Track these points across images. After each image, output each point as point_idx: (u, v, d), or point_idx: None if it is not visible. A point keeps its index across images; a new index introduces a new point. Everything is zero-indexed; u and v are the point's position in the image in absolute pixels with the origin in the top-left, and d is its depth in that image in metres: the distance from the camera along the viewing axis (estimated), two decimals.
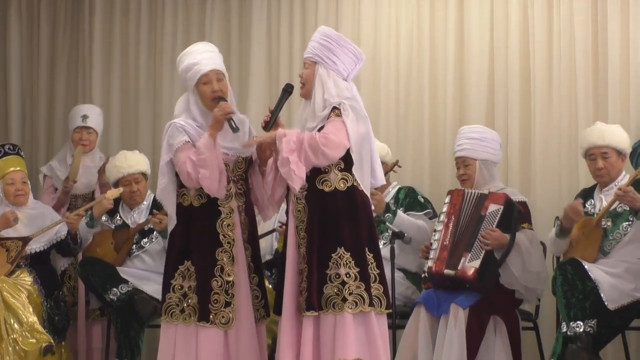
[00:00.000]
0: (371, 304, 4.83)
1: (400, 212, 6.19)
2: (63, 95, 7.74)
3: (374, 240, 4.97)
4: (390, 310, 5.00)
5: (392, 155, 6.51)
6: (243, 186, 5.16)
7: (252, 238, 5.17)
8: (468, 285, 5.58)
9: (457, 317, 5.50)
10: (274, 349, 5.51)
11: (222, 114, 4.99)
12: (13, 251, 6.26)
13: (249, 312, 5.06)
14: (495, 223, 5.62)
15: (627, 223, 5.60)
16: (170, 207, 5.15)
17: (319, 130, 4.88)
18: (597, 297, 5.40)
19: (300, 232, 4.91)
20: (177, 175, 5.09)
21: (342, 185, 4.90)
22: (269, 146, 4.96)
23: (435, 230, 5.83)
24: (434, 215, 6.28)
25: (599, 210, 5.63)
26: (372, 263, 4.91)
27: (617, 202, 5.54)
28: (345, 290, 4.81)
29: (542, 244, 5.89)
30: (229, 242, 5.08)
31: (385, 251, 5.93)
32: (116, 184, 6.53)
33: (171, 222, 5.15)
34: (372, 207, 5.09)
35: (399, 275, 6.10)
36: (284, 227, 6.03)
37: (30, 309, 6.10)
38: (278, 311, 4.99)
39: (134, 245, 6.48)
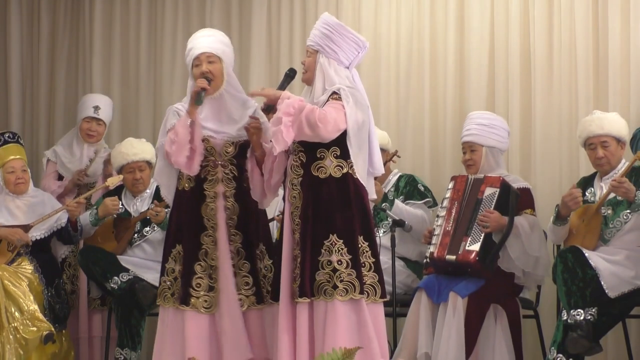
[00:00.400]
0: (362, 292, 4.83)
1: (397, 202, 6.19)
2: (63, 82, 7.74)
3: (369, 228, 4.97)
4: (387, 299, 4.99)
5: (392, 142, 6.51)
6: (233, 171, 5.16)
7: (243, 224, 5.15)
8: (470, 269, 5.58)
9: (455, 306, 5.51)
10: None
11: (194, 89, 5.05)
12: (12, 243, 6.26)
13: (232, 298, 5.06)
14: (492, 206, 5.62)
15: (627, 211, 5.60)
16: (166, 189, 5.27)
17: None
18: (598, 284, 5.40)
19: (295, 219, 4.92)
20: None
21: (337, 172, 4.90)
22: (271, 101, 4.92)
23: (438, 216, 5.84)
24: (433, 204, 6.28)
25: (599, 198, 5.63)
26: (366, 251, 4.91)
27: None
28: (336, 277, 4.81)
29: (543, 232, 5.89)
30: (212, 227, 5.11)
31: (385, 239, 5.96)
32: (120, 170, 6.53)
33: (170, 205, 5.26)
34: (371, 196, 5.08)
35: (399, 263, 6.10)
36: (281, 216, 6.07)
37: (31, 297, 6.10)
38: (275, 298, 5.00)
39: (136, 234, 6.47)
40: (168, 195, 5.28)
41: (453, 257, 5.61)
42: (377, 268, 4.92)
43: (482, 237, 5.59)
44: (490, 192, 5.67)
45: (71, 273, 6.77)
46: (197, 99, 5.05)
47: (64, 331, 6.39)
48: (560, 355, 5.41)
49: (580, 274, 5.41)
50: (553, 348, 5.46)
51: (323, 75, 4.97)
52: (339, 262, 4.83)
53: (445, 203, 5.82)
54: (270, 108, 4.96)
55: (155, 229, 6.44)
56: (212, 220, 5.13)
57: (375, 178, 5.65)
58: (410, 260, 6.26)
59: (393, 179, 6.40)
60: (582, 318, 5.35)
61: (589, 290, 5.39)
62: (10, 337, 5.98)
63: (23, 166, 6.44)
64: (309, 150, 4.91)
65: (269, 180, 5.07)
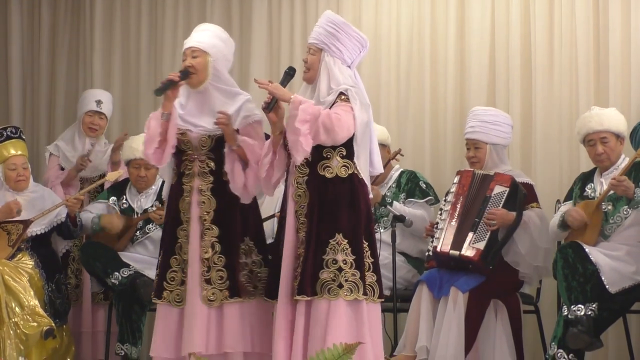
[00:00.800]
0: (365, 293, 4.83)
1: (396, 204, 6.19)
2: (64, 78, 7.75)
3: (370, 229, 4.97)
4: (383, 300, 4.98)
5: (392, 138, 6.51)
6: (210, 165, 5.14)
7: (222, 218, 5.12)
8: (471, 266, 5.58)
9: (456, 301, 5.51)
10: None
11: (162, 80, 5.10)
12: (14, 234, 6.26)
13: (196, 292, 5.04)
14: (501, 205, 5.63)
15: (627, 206, 5.59)
16: (168, 185, 5.31)
17: None
18: (598, 280, 5.40)
19: (299, 217, 4.90)
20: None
21: (343, 172, 4.89)
22: (280, 99, 4.89)
23: (442, 210, 5.84)
24: (435, 202, 6.28)
25: (599, 193, 5.63)
26: (367, 252, 4.90)
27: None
28: (342, 276, 4.81)
29: None
30: (186, 221, 5.12)
31: (386, 235, 5.96)
32: (127, 164, 6.53)
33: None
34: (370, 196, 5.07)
35: (400, 259, 6.11)
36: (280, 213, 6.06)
37: (32, 293, 6.10)
38: (270, 295, 5.00)
39: (138, 232, 6.47)
40: (165, 192, 5.35)
41: (457, 253, 5.61)
42: (375, 268, 4.91)
43: (487, 236, 5.59)
44: (499, 190, 5.67)
45: (75, 267, 6.80)
46: (159, 88, 5.07)
47: (64, 326, 6.39)
48: (561, 350, 5.41)
49: (581, 269, 5.41)
50: (553, 343, 5.46)
51: (328, 74, 4.94)
52: (344, 262, 4.82)
53: (450, 197, 5.82)
54: (271, 107, 4.92)
55: (157, 226, 6.44)
56: (186, 214, 5.14)
57: (377, 176, 5.68)
58: (411, 256, 6.26)
59: (395, 174, 6.39)
60: (582, 313, 5.35)
61: (590, 285, 5.39)
62: (11, 332, 5.98)
63: (24, 163, 6.44)
64: (315, 150, 4.86)
65: (268, 177, 5.02)
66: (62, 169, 7.03)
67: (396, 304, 5.77)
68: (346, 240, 4.84)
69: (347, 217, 4.86)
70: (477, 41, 6.86)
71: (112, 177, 6.49)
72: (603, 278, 5.40)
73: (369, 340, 4.81)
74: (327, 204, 4.87)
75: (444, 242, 5.69)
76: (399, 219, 5.94)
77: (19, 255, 6.26)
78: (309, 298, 4.80)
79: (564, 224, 5.67)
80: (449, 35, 6.92)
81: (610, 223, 5.61)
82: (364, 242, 4.89)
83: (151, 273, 6.17)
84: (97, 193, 6.83)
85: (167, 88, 5.06)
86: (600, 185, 5.67)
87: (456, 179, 5.87)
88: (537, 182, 6.38)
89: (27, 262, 6.26)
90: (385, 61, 7.04)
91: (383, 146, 6.20)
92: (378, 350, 4.90)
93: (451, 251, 5.64)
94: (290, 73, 5.07)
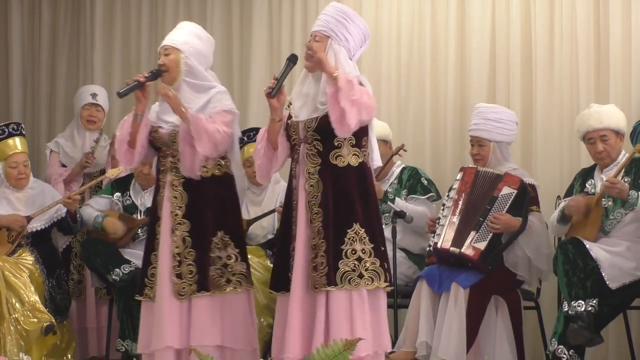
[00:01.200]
0: (386, 280, 4.84)
1: (398, 200, 6.19)
2: (64, 74, 7.77)
3: (379, 216, 5.00)
4: (391, 287, 4.99)
5: (392, 134, 6.50)
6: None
7: (191, 213, 5.13)
8: (470, 264, 5.58)
9: (457, 297, 5.51)
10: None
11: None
12: (14, 230, 6.26)
13: (165, 287, 5.06)
14: (507, 207, 5.63)
15: (622, 208, 5.59)
16: None
17: None
18: (599, 276, 5.40)
19: (313, 207, 4.87)
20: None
21: (354, 160, 4.89)
22: (328, 69, 4.78)
23: (443, 206, 5.84)
24: (437, 198, 6.27)
25: (599, 190, 5.62)
26: (380, 239, 4.91)
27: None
28: (362, 266, 4.80)
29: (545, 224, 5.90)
30: (161, 217, 5.15)
31: (387, 231, 5.94)
32: None
33: None
34: None
35: (400, 255, 6.11)
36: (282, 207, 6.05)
37: (32, 289, 6.10)
38: (275, 288, 4.98)
39: (139, 230, 6.46)
40: None
41: (457, 250, 5.61)
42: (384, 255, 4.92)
43: (489, 237, 5.59)
44: (507, 191, 5.66)
45: (78, 263, 6.81)
46: (122, 89, 5.12)
47: (64, 322, 6.39)
48: (561, 346, 5.41)
49: (581, 265, 5.41)
50: (554, 339, 5.47)
51: (335, 61, 4.90)
52: (363, 251, 4.82)
53: (452, 194, 5.81)
54: (275, 93, 4.88)
55: None
56: (161, 210, 5.17)
57: (379, 173, 5.67)
58: (412, 252, 6.26)
59: (396, 171, 6.38)
60: (582, 309, 5.35)
61: (590, 281, 5.39)
62: (11, 328, 5.98)
63: (25, 161, 6.44)
64: (325, 139, 4.86)
65: (263, 166, 5.02)
66: (63, 165, 7.03)
67: (396, 300, 5.76)
68: (363, 229, 4.83)
69: (362, 206, 4.86)
70: (477, 38, 6.86)
71: (112, 173, 6.49)
72: (603, 274, 5.40)
73: (385, 329, 4.86)
74: (341, 193, 4.86)
75: (444, 239, 5.68)
76: (400, 215, 5.93)
77: (19, 251, 6.27)
78: (329, 289, 4.77)
79: (563, 217, 5.66)
80: (450, 31, 6.92)
81: (610, 219, 5.61)
82: (378, 229, 4.90)
83: None
84: (98, 188, 6.82)
85: (133, 89, 5.10)
86: (601, 181, 5.66)
87: (459, 176, 5.86)
88: (538, 179, 6.38)
89: (28, 258, 6.26)
90: (386, 57, 7.04)
91: (384, 142, 6.21)
92: (388, 338, 4.95)
93: (451, 248, 5.64)
94: (292, 60, 5.01)
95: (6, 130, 6.42)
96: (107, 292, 6.67)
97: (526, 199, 5.66)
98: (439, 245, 5.69)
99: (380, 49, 7.01)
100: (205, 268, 5.10)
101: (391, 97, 7.03)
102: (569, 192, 5.85)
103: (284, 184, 5.97)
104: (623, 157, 5.67)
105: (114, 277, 6.23)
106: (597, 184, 5.70)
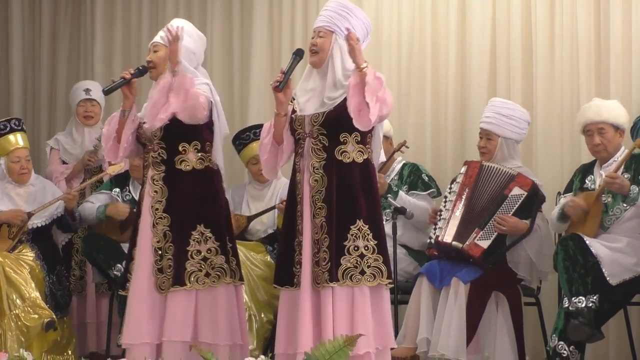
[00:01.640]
0: (389, 277, 4.85)
1: (402, 193, 6.18)
2: (65, 70, 7.77)
3: (382, 213, 5.01)
4: (392, 284, 5.00)
5: (393, 131, 6.50)
6: (162, 154, 5.18)
7: (171, 207, 5.15)
8: (472, 260, 5.59)
9: (457, 292, 5.51)
10: (274, 323, 5.52)
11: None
12: (15, 227, 6.27)
13: (141, 281, 5.09)
14: (515, 208, 5.62)
15: (623, 203, 5.58)
16: None
17: (344, 100, 4.81)
18: (599, 272, 5.39)
19: (316, 202, 4.87)
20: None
21: (359, 157, 4.89)
22: (358, 60, 4.77)
23: (446, 198, 5.84)
24: (437, 194, 6.27)
25: (599, 185, 5.62)
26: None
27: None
28: (364, 263, 4.81)
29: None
30: (142, 211, 5.18)
31: (387, 227, 5.94)
32: None
33: None
34: None
35: (401, 251, 6.10)
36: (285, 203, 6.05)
37: (33, 285, 6.11)
38: (279, 282, 4.98)
39: None
40: None
41: (460, 245, 5.61)
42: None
43: (493, 236, 5.59)
44: (517, 192, 5.66)
45: (79, 259, 6.81)
46: (107, 87, 5.19)
47: (65, 318, 6.40)
48: (562, 342, 5.41)
49: (582, 261, 5.41)
50: (554, 335, 5.46)
51: (341, 56, 4.90)
52: (366, 248, 4.82)
53: (456, 187, 5.81)
54: (282, 86, 4.88)
55: None
56: (142, 205, 5.21)
57: (380, 168, 5.67)
58: (413, 249, 6.26)
59: (397, 167, 6.38)
60: (583, 305, 5.34)
61: (590, 277, 5.39)
62: (12, 324, 5.99)
63: (27, 156, 6.46)
64: (331, 134, 4.87)
65: (269, 160, 5.03)
66: (64, 162, 7.04)
67: (397, 296, 5.76)
68: (367, 226, 4.83)
69: (366, 202, 4.86)
70: (478, 34, 6.85)
71: (113, 170, 6.49)
72: (604, 270, 5.39)
73: (389, 325, 4.86)
74: (345, 189, 4.85)
75: (446, 233, 5.68)
76: (400, 211, 5.93)
77: (19, 248, 6.28)
78: (331, 285, 4.77)
79: (563, 216, 5.67)
80: (450, 27, 6.91)
81: (610, 215, 5.60)
82: (382, 226, 4.90)
83: None
84: (98, 184, 6.83)
85: (119, 86, 5.15)
86: (600, 177, 5.66)
87: (463, 169, 5.86)
88: (538, 175, 6.37)
89: (28, 254, 6.27)
90: (386, 53, 7.02)
91: (386, 138, 6.20)
92: (393, 335, 4.95)
93: (454, 242, 5.64)
94: (299, 54, 5.01)
95: (8, 125, 6.44)
96: (109, 288, 6.67)
97: (536, 202, 5.66)
98: (440, 239, 5.69)
99: (381, 45, 6.99)
100: (182, 262, 5.11)
101: (392, 93, 6.99)
102: (568, 188, 5.85)
103: (285, 180, 5.97)
104: (622, 153, 5.66)
105: (115, 272, 6.24)
106: (596, 179, 5.70)
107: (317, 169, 4.89)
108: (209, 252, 5.16)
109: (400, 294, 5.82)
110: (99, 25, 7.66)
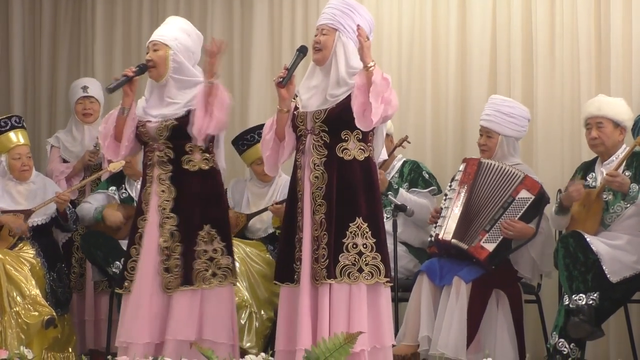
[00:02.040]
0: (387, 275, 4.84)
1: (402, 191, 6.17)
2: (65, 68, 7.78)
3: (382, 212, 5.01)
4: (391, 283, 4.99)
5: (393, 128, 6.50)
6: (168, 154, 5.18)
7: (178, 207, 5.15)
8: (475, 260, 5.58)
9: (459, 291, 5.51)
10: (275, 320, 5.52)
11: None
12: (13, 232, 6.26)
13: (145, 281, 5.09)
14: (521, 212, 5.62)
15: (623, 201, 5.58)
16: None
17: (347, 97, 4.83)
18: (599, 269, 5.40)
19: (316, 199, 4.88)
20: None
21: (360, 155, 4.90)
22: (366, 58, 4.77)
23: (445, 196, 5.84)
24: (438, 192, 6.27)
25: (600, 183, 5.62)
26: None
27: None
28: (362, 260, 4.81)
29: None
30: (147, 210, 5.17)
31: (388, 225, 5.94)
32: None
33: None
34: None
35: (401, 248, 6.11)
36: (277, 205, 6.04)
37: (33, 282, 6.11)
38: (279, 279, 4.98)
39: None
40: None
41: (465, 247, 5.61)
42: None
43: (499, 239, 5.59)
44: (525, 195, 5.66)
45: (79, 256, 6.81)
46: (111, 85, 5.16)
47: (65, 316, 6.40)
48: (562, 340, 5.41)
49: (582, 258, 5.41)
50: (555, 333, 5.47)
51: (344, 54, 4.91)
52: (365, 246, 4.83)
53: (454, 185, 5.81)
54: (285, 82, 4.89)
55: None
56: (147, 205, 5.19)
57: (381, 165, 5.67)
58: (413, 246, 6.25)
59: (397, 164, 6.38)
60: (583, 303, 5.35)
61: (591, 275, 5.39)
62: (12, 321, 5.99)
63: (28, 153, 6.47)
64: (333, 131, 4.88)
65: (272, 156, 5.04)
66: (65, 161, 7.04)
67: (397, 293, 5.76)
68: (366, 224, 4.84)
69: (366, 200, 4.87)
70: (478, 34, 6.85)
71: (114, 167, 6.49)
72: (604, 267, 5.40)
73: (387, 323, 4.86)
74: (345, 186, 4.86)
75: (446, 231, 5.68)
76: (401, 208, 5.93)
77: (20, 245, 6.28)
78: (329, 282, 4.78)
79: (561, 208, 5.66)
80: (451, 25, 6.91)
81: (611, 212, 5.60)
82: (382, 224, 4.90)
83: None
84: (98, 182, 6.83)
85: (122, 84, 5.14)
86: (601, 175, 5.66)
87: (461, 167, 5.86)
88: (538, 173, 6.37)
89: (29, 251, 6.27)
90: (387, 53, 7.02)
91: (386, 136, 6.19)
92: (391, 333, 4.94)
93: (453, 240, 5.64)
94: (302, 51, 5.03)
95: (8, 123, 6.44)
96: (108, 285, 6.67)
97: (542, 205, 5.66)
98: (440, 236, 5.69)
99: (381, 43, 6.99)
100: (190, 262, 5.12)
101: None
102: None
103: (286, 177, 5.97)
104: (623, 151, 5.66)
105: (114, 269, 6.24)
106: (597, 177, 5.70)
107: (317, 166, 4.89)
108: (214, 252, 5.17)
109: (401, 291, 5.82)
110: (100, 24, 7.67)
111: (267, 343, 6.05)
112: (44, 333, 6.10)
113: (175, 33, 5.27)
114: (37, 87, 7.82)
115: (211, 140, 5.25)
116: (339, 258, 4.80)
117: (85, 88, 7.05)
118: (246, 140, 6.54)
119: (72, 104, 7.11)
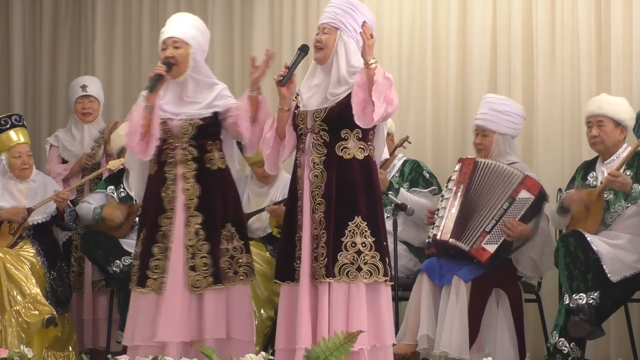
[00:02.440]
0: (385, 274, 4.84)
1: (403, 191, 6.17)
2: (65, 67, 7.77)
3: (383, 211, 5.00)
4: (392, 282, 4.99)
5: (394, 127, 6.50)
6: (192, 152, 5.16)
7: (205, 205, 5.15)
8: (475, 261, 5.58)
9: (459, 291, 5.51)
10: (275, 319, 5.52)
11: (150, 75, 5.11)
12: (15, 222, 6.27)
13: (178, 280, 5.07)
14: (522, 213, 5.62)
15: (625, 201, 5.58)
16: (136, 175, 5.41)
17: (347, 96, 4.83)
18: (600, 269, 5.40)
19: (316, 198, 4.88)
20: None
21: (359, 154, 4.89)
22: (368, 57, 4.75)
23: (442, 197, 5.84)
24: (438, 192, 6.27)
25: (601, 182, 5.62)
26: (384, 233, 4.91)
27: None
28: (360, 259, 4.81)
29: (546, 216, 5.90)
30: (171, 209, 5.14)
31: (388, 224, 5.94)
32: (120, 153, 6.53)
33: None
34: None
35: (401, 247, 6.10)
36: (274, 206, 6.03)
37: (33, 281, 6.11)
38: (280, 277, 4.98)
39: (138, 219, 6.46)
40: (136, 183, 5.42)
41: (466, 248, 5.61)
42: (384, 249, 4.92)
43: (500, 241, 5.59)
44: (525, 196, 5.65)
45: (78, 255, 6.80)
46: (150, 85, 5.10)
47: (66, 314, 6.40)
48: (563, 339, 5.42)
49: (582, 257, 5.41)
50: (555, 332, 5.47)
51: (345, 53, 4.91)
52: (363, 245, 4.82)
53: (451, 185, 5.81)
54: (285, 81, 4.89)
55: None
56: (171, 203, 5.15)
57: (382, 164, 5.67)
58: (413, 245, 6.25)
59: (398, 163, 6.37)
60: (584, 302, 5.35)
61: (591, 274, 5.39)
62: (12, 320, 5.99)
63: (28, 151, 6.46)
64: (332, 130, 4.88)
65: (272, 155, 5.04)
66: (64, 160, 7.03)
67: (397, 293, 5.76)
68: (365, 223, 4.84)
69: (365, 199, 4.86)
70: (478, 34, 6.85)
71: (114, 164, 6.49)
72: (604, 267, 5.40)
73: (387, 322, 4.86)
74: (345, 185, 4.86)
75: (443, 231, 5.68)
76: (401, 207, 5.92)
77: (20, 244, 6.28)
78: (328, 280, 4.78)
79: (562, 209, 5.66)
80: (451, 24, 6.91)
81: (612, 212, 5.61)
82: (381, 223, 4.90)
83: None
84: (98, 180, 6.83)
85: (157, 82, 5.10)
86: (602, 174, 5.67)
87: (457, 167, 5.86)
88: (539, 172, 6.38)
89: (29, 250, 6.27)
90: (387, 51, 7.02)
91: (387, 134, 6.19)
92: (392, 333, 4.94)
93: (451, 240, 5.64)
94: (304, 50, 5.03)
95: (9, 121, 6.44)
96: (107, 284, 6.67)
97: (542, 205, 5.66)
98: (438, 237, 5.69)
99: (382, 43, 6.98)
100: (217, 260, 5.12)
101: None
102: (570, 185, 5.85)
103: (287, 176, 5.97)
104: (625, 150, 5.67)
105: (114, 268, 6.24)
106: (598, 176, 5.70)
107: (317, 165, 4.89)
108: (235, 250, 5.18)
109: (401, 290, 5.82)
110: (100, 22, 7.66)
111: (267, 342, 6.05)
112: (44, 332, 6.10)
113: (193, 31, 5.24)
114: (37, 86, 7.82)
115: (223, 139, 5.27)
116: (338, 257, 4.80)
117: (84, 87, 7.04)
118: None
119: (72, 102, 7.11)
